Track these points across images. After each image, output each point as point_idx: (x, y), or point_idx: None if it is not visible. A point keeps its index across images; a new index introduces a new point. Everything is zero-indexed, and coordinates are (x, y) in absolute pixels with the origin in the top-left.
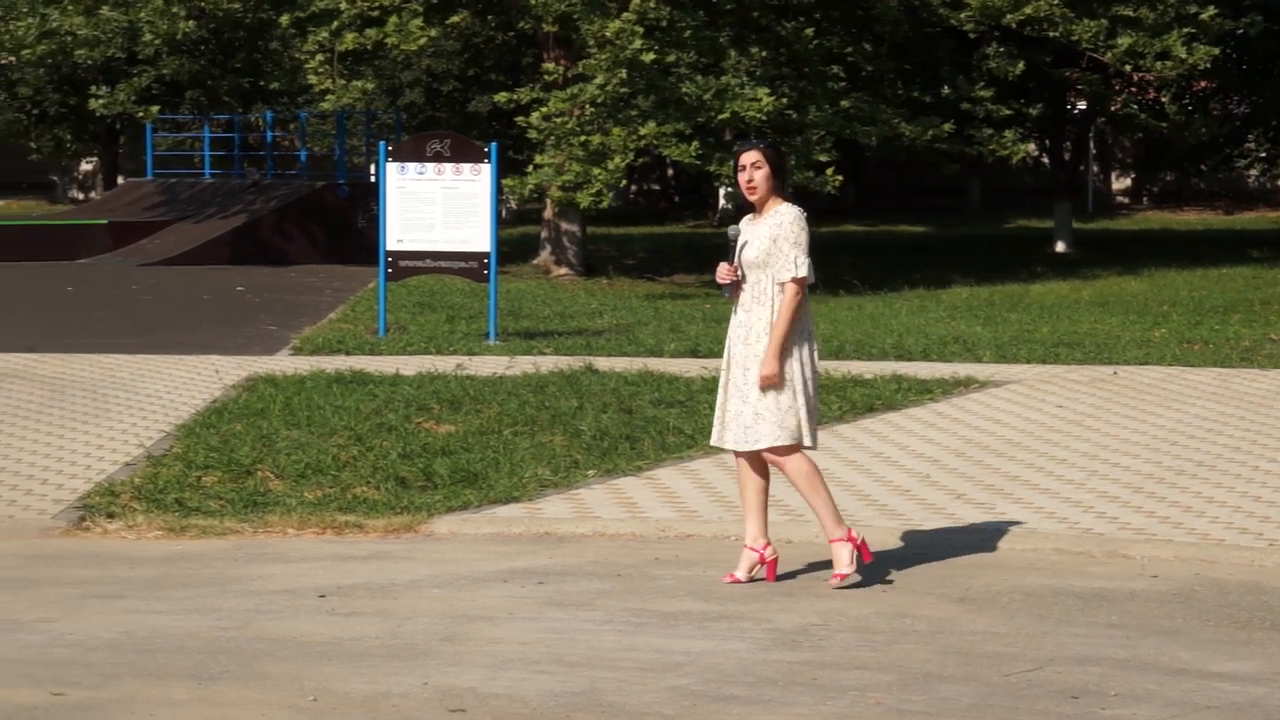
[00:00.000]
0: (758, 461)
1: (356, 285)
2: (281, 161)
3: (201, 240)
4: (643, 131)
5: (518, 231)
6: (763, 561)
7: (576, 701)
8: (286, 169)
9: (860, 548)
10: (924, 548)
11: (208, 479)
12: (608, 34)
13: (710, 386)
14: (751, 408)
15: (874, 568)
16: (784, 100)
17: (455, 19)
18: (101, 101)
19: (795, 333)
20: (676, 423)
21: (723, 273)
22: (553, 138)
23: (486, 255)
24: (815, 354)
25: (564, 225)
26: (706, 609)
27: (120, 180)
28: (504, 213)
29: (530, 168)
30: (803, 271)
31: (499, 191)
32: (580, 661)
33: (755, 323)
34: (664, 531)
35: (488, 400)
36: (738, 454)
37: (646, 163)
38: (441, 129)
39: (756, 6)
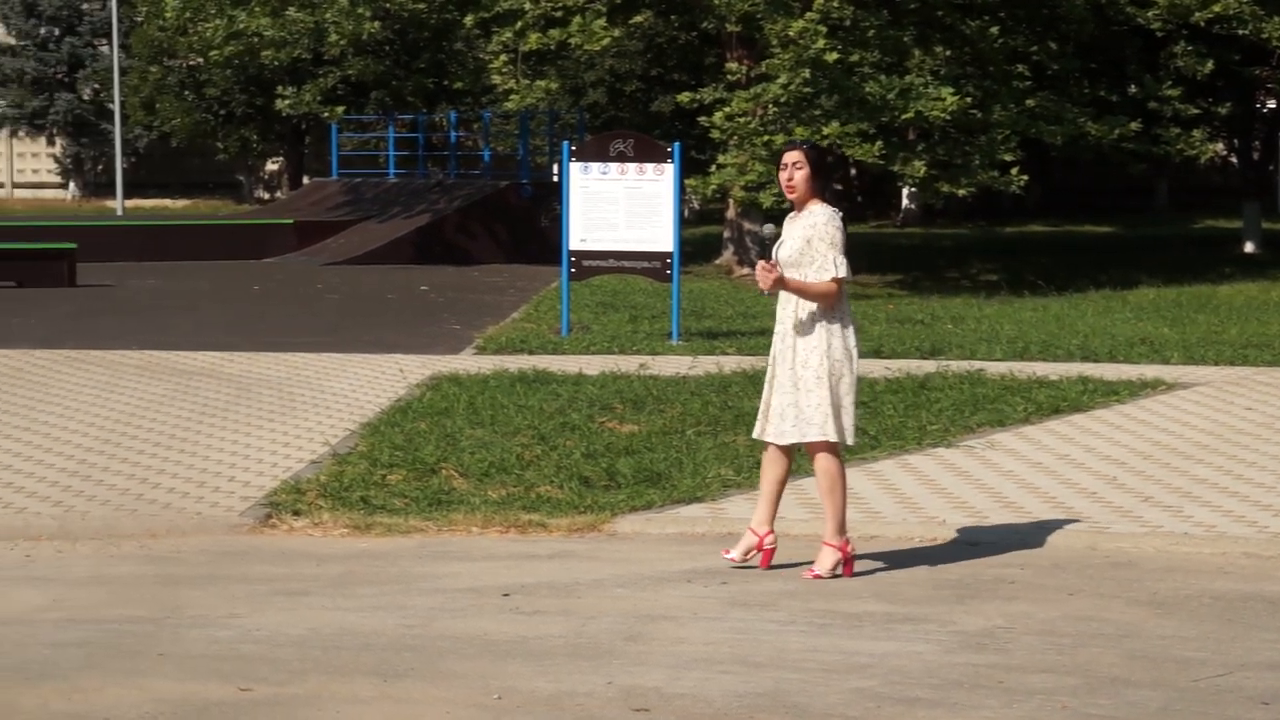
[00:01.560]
0: (785, 453)
1: (539, 285)
2: (465, 161)
3: (386, 240)
4: (826, 131)
5: (700, 231)
6: (760, 548)
7: (760, 702)
8: (470, 169)
9: (848, 561)
10: (1111, 551)
11: (393, 477)
12: (791, 33)
13: (894, 388)
14: (790, 401)
15: (1061, 571)
16: (968, 99)
17: (638, 19)
18: (288, 102)
19: (828, 327)
20: (860, 423)
21: (761, 275)
22: (735, 137)
23: (669, 255)
24: (854, 352)
25: (746, 225)
26: (891, 610)
27: (306, 180)
28: (686, 213)
29: (713, 168)
30: (841, 271)
31: (682, 191)
32: (764, 662)
33: (788, 318)
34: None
35: (671, 400)
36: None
37: (830, 162)
38: (624, 129)
39: (941, 5)
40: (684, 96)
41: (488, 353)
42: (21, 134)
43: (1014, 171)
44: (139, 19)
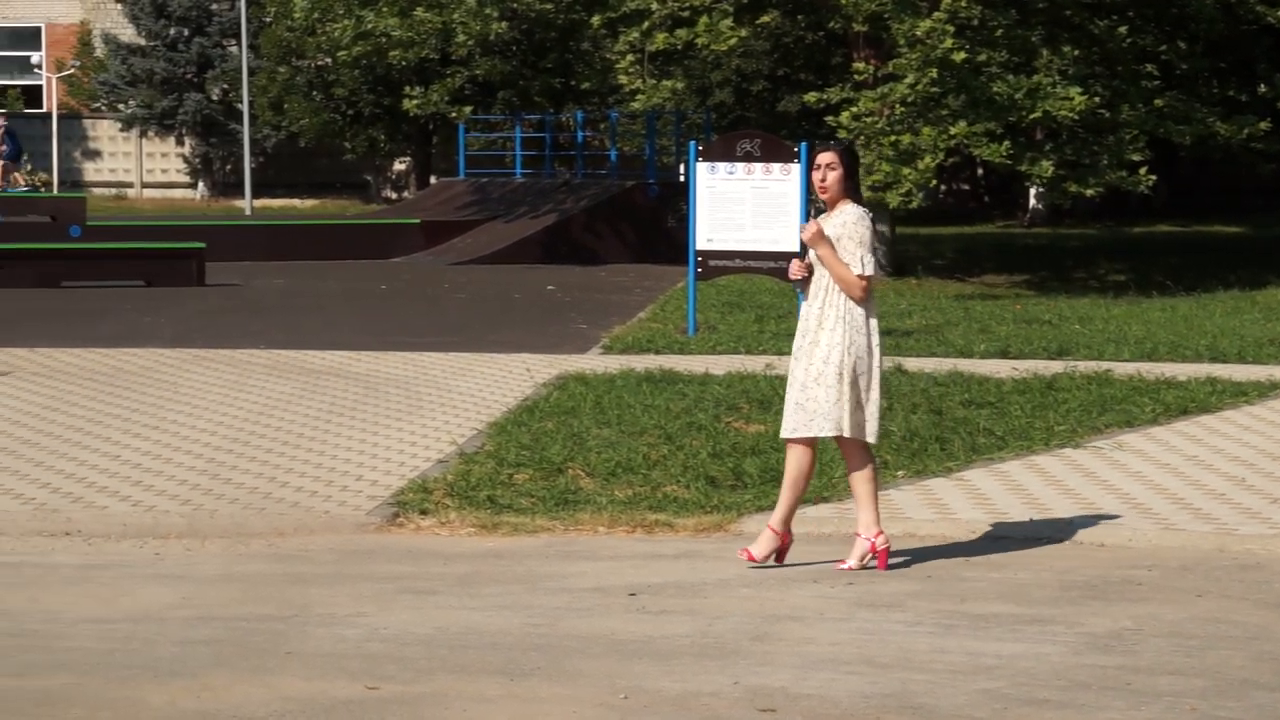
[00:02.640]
0: (811, 447)
1: (666, 284)
2: (592, 161)
3: (512, 239)
4: (953, 131)
5: None
6: (783, 546)
7: (887, 703)
8: (597, 168)
9: (879, 554)
10: (1239, 553)
11: (519, 476)
12: (918, 33)
13: (1021, 388)
14: (808, 395)
15: (1188, 573)
16: (1096, 99)
17: (765, 19)
18: (415, 102)
19: (852, 324)
20: (987, 424)
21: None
22: (862, 137)
23: (796, 255)
24: (876, 351)
25: (874, 225)
26: (1018, 612)
27: (433, 180)
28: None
29: None
30: (869, 270)
31: (808, 191)
32: (890, 663)
33: (812, 316)
34: (974, 533)
35: None
36: (791, 440)
37: (956, 162)
38: (751, 128)
39: (1069, 5)
40: (811, 96)
41: (614, 352)
42: (151, 134)
43: (1142, 171)
44: (268, 19)
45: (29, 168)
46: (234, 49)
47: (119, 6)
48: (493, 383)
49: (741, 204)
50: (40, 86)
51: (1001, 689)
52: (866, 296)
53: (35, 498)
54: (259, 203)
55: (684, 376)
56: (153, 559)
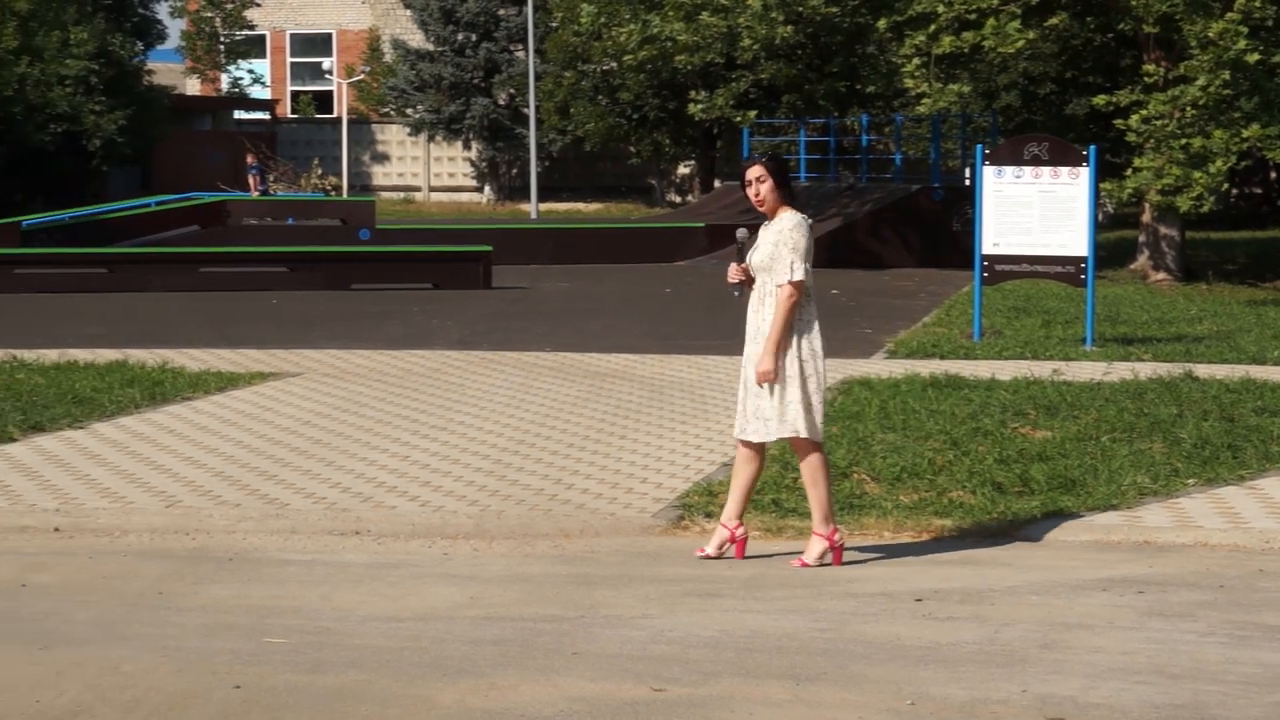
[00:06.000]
0: (759, 452)
1: (950, 289)
2: (876, 165)
3: None
4: (1246, 134)
5: (1114, 235)
6: (733, 540)
7: (1179, 715)
8: (881, 173)
9: (835, 549)
10: None
11: None
12: (1210, 34)
13: None
14: (768, 402)
15: None
16: None
17: (1053, 21)
18: (700, 106)
19: (793, 332)
20: None
21: (731, 272)
22: (1152, 140)
23: (1084, 260)
24: (816, 351)
25: (1162, 229)
26: None
27: (716, 184)
28: (1100, 216)
29: (1129, 171)
30: (798, 275)
31: (1096, 195)
32: (1182, 673)
33: (761, 323)
34: (1268, 543)
35: (1085, 406)
36: (743, 443)
37: (1248, 165)
38: (1038, 132)
39: None
40: (1100, 99)
41: (899, 357)
42: (439, 138)
43: None
44: (554, 25)
45: (319, 172)
46: (521, 54)
47: (408, 13)
48: None
49: (1029, 208)
50: (331, 92)
51: None
52: (799, 301)
53: (326, 497)
54: (544, 206)
55: (969, 382)
56: (440, 559)
